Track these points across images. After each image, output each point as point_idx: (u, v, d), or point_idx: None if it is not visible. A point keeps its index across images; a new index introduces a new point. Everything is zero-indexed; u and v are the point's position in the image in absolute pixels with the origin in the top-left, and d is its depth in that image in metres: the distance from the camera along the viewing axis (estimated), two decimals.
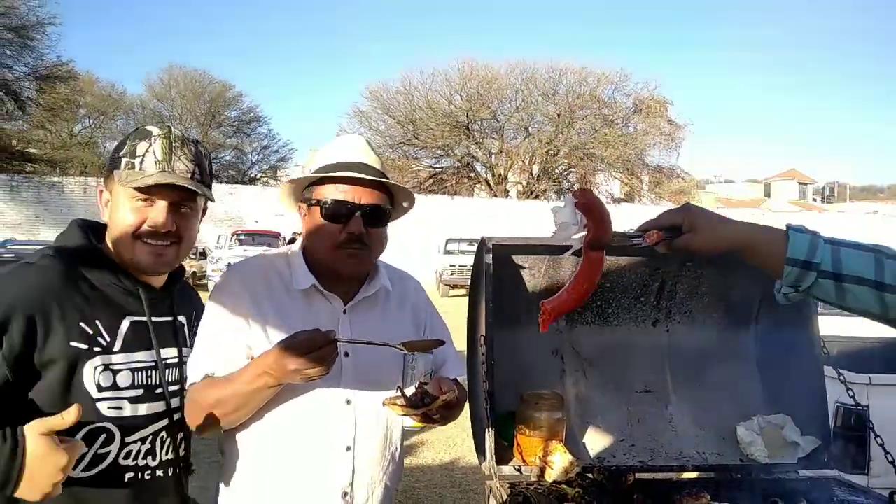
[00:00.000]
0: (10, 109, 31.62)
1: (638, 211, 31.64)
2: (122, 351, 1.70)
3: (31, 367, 1.55)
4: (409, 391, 1.71)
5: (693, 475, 2.46)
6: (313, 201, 1.83)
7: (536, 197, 38.60)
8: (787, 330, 2.50)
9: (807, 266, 1.31)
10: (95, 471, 1.64)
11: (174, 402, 1.81)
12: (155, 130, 1.73)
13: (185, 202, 1.76)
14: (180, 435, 1.85)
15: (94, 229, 1.81)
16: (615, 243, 1.46)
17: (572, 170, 42.94)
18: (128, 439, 1.69)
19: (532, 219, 29.07)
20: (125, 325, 1.72)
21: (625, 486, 2.21)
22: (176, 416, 1.82)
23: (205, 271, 21.43)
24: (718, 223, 1.37)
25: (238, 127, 46.34)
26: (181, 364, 1.85)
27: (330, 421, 1.80)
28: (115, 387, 1.67)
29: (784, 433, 2.51)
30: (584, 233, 1.46)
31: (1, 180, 27.74)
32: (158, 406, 1.78)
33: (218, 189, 28.30)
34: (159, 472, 1.77)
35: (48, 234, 24.37)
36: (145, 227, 1.70)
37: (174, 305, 1.89)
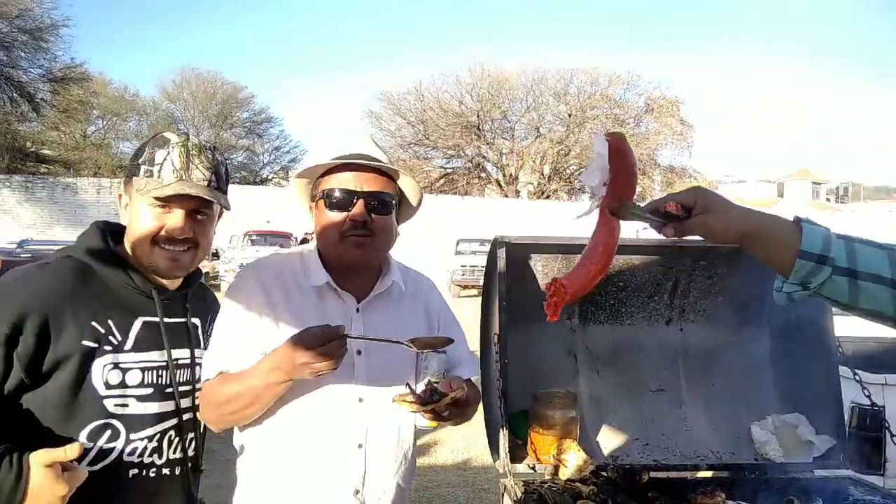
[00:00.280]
0: (24, 111, 31.84)
1: None
2: (133, 350, 1.72)
3: (39, 369, 1.58)
4: (419, 388, 1.72)
5: (707, 474, 2.45)
6: (319, 195, 1.86)
7: (548, 197, 38.55)
8: (802, 329, 2.50)
9: (822, 261, 1.20)
10: (99, 466, 1.65)
11: (184, 403, 1.82)
12: (173, 138, 1.76)
13: (201, 209, 1.79)
14: (190, 435, 1.86)
15: (114, 232, 1.84)
16: (632, 217, 1.29)
17: (584, 170, 42.77)
18: (133, 436, 1.71)
19: (543, 219, 29.01)
20: (137, 324, 1.74)
21: (639, 484, 2.20)
22: (186, 417, 1.83)
23: (217, 272, 21.52)
24: (732, 206, 1.27)
25: (250, 128, 46.46)
26: (193, 365, 1.87)
27: (342, 419, 1.81)
28: (123, 384, 1.69)
29: (799, 432, 2.50)
30: (602, 193, 1.30)
31: (16, 181, 28.00)
32: (168, 405, 1.79)
33: (230, 190, 28.45)
34: (165, 471, 1.78)
35: (62, 234, 24.57)
36: (163, 233, 1.73)
37: (188, 307, 1.91)
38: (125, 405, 1.69)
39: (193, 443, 1.87)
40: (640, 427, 2.56)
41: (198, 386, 1.85)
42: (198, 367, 1.86)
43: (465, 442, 6.41)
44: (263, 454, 1.83)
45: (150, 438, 1.74)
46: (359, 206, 1.80)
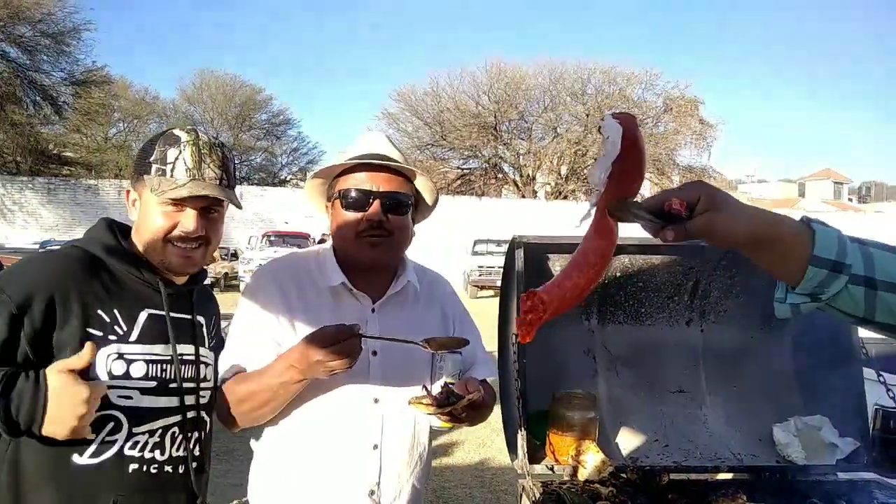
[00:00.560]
0: (47, 114, 32.31)
1: None
2: (138, 342, 1.71)
3: (49, 349, 1.58)
4: (435, 390, 1.72)
5: (728, 476, 2.43)
6: (335, 195, 1.87)
7: (565, 198, 38.39)
8: (824, 330, 2.47)
9: (837, 268, 1.03)
10: (100, 458, 1.64)
11: (188, 400, 1.81)
12: (183, 136, 1.76)
13: (213, 207, 1.80)
14: (194, 434, 1.83)
15: (121, 229, 1.85)
16: (632, 218, 1.08)
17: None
18: (135, 429, 1.70)
19: (561, 219, 28.89)
20: (143, 316, 1.74)
21: (659, 486, 2.19)
22: (190, 414, 1.81)
23: (236, 272, 21.69)
24: (739, 204, 1.07)
25: (268, 130, 46.76)
26: (198, 362, 1.86)
27: (357, 419, 1.81)
28: (127, 376, 1.68)
29: (822, 434, 2.47)
30: (604, 180, 1.09)
31: (39, 183, 28.39)
32: (172, 401, 1.78)
33: (248, 191, 28.72)
34: (167, 468, 1.77)
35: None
36: (176, 232, 1.74)
37: (194, 304, 1.91)
38: (129, 397, 1.68)
39: (197, 443, 1.85)
40: (659, 428, 2.54)
41: (203, 385, 1.85)
42: (202, 366, 1.86)
43: (481, 442, 6.40)
44: (279, 454, 1.84)
45: (153, 433, 1.73)
46: (375, 207, 1.80)
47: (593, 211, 1.11)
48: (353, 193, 1.82)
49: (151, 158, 1.74)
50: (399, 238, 1.88)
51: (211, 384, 1.86)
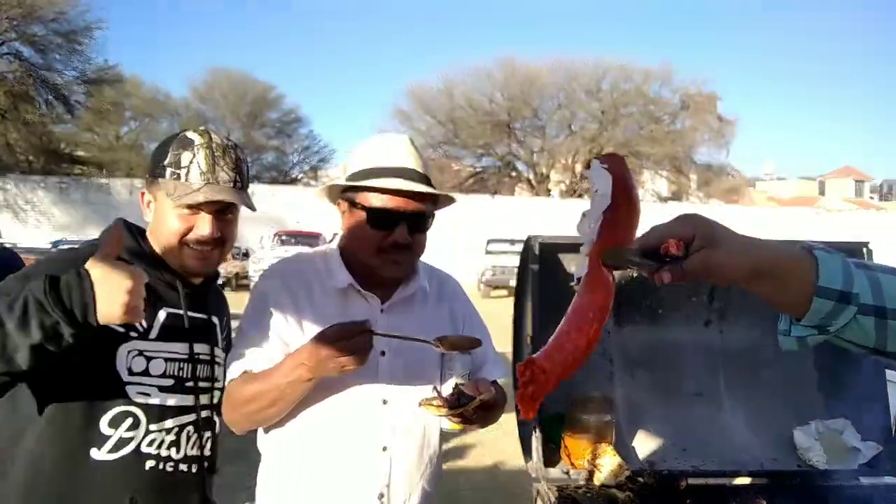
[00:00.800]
0: (59, 113, 32.71)
1: (686, 210, 31.01)
2: (157, 339, 1.75)
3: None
4: (446, 391, 1.70)
5: (748, 481, 2.38)
6: (357, 205, 1.81)
7: (580, 196, 38.21)
8: None
9: (844, 298, 0.97)
10: (118, 454, 1.67)
11: (203, 399, 1.84)
12: (196, 139, 1.77)
13: (228, 209, 1.81)
14: (207, 434, 1.87)
15: (137, 230, 1.87)
16: (628, 265, 1.03)
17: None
18: (152, 427, 1.73)
19: (575, 218, 28.67)
20: (162, 314, 1.77)
21: (677, 491, 2.15)
22: (204, 414, 1.84)
23: (247, 272, 21.78)
24: (738, 237, 1.01)
25: (280, 128, 47.06)
26: (213, 363, 1.88)
27: (366, 421, 1.79)
28: (146, 373, 1.71)
29: (844, 438, 2.44)
30: (596, 229, 1.02)
31: (51, 182, 28.68)
32: (187, 399, 1.81)
33: (259, 190, 28.79)
34: (182, 467, 1.80)
35: (96, 234, 24.88)
36: (192, 235, 1.76)
37: (209, 305, 1.94)
38: (147, 394, 1.71)
39: (210, 442, 1.89)
40: (677, 432, 2.50)
41: (216, 385, 1.87)
42: (216, 366, 1.89)
43: (494, 445, 6.37)
44: (286, 457, 1.83)
45: (169, 431, 1.76)
46: (402, 229, 1.77)
47: (585, 263, 1.04)
48: (380, 212, 1.77)
49: (166, 162, 1.76)
50: (419, 252, 1.87)
51: (222, 385, 1.86)
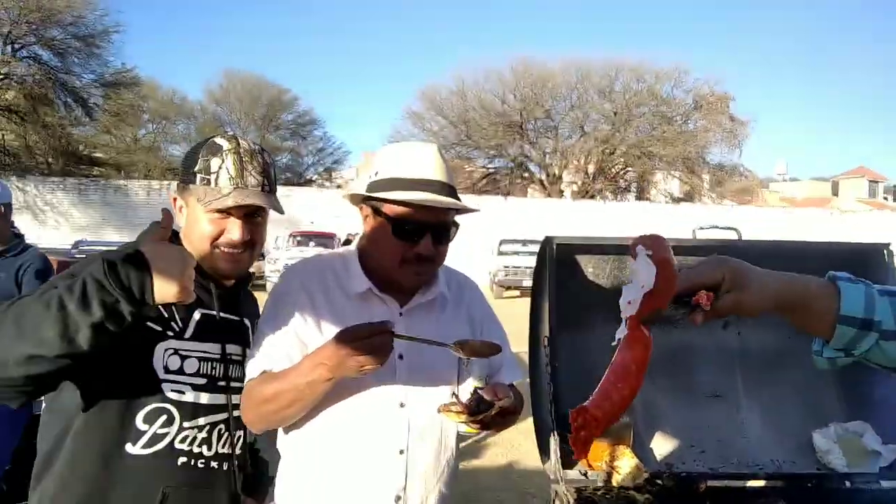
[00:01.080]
0: (78, 116, 33.09)
1: (698, 211, 30.96)
2: (192, 339, 1.80)
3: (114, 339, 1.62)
4: (465, 397, 1.69)
5: (766, 484, 2.37)
6: (382, 213, 1.80)
7: (592, 197, 38.08)
8: None
9: (866, 325, 1.06)
10: (152, 450, 1.72)
11: (235, 399, 1.86)
12: (225, 144, 1.81)
13: (257, 212, 1.86)
14: (239, 433, 1.90)
15: (173, 232, 1.89)
16: (664, 318, 1.14)
17: (629, 169, 42.31)
18: (186, 424, 1.77)
19: (589, 219, 28.74)
20: (197, 315, 1.82)
21: (696, 493, 2.14)
22: (236, 413, 1.87)
23: (263, 272, 21.84)
24: (764, 276, 1.12)
25: (294, 130, 47.24)
26: (244, 363, 1.89)
27: (383, 423, 1.79)
28: (181, 371, 1.76)
29: (863, 441, 2.42)
30: (638, 297, 1.12)
31: (70, 184, 28.91)
32: (220, 398, 1.85)
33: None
34: (213, 464, 1.83)
35: (114, 235, 25.28)
36: (223, 239, 1.81)
37: (240, 306, 1.98)
38: (181, 392, 1.76)
39: (241, 441, 1.93)
40: (695, 434, 2.49)
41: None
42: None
43: (510, 445, 6.36)
44: (303, 459, 1.83)
45: (201, 428, 1.81)
46: (427, 241, 1.77)
47: (625, 327, 1.15)
48: (405, 223, 1.76)
49: (196, 168, 1.81)
50: (440, 262, 1.87)
51: None
